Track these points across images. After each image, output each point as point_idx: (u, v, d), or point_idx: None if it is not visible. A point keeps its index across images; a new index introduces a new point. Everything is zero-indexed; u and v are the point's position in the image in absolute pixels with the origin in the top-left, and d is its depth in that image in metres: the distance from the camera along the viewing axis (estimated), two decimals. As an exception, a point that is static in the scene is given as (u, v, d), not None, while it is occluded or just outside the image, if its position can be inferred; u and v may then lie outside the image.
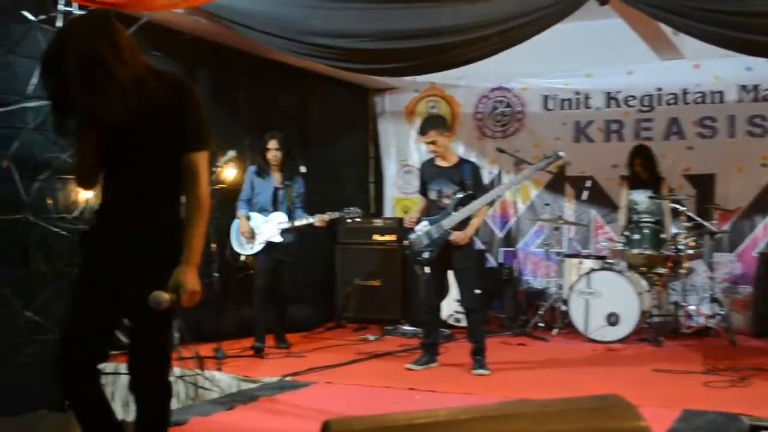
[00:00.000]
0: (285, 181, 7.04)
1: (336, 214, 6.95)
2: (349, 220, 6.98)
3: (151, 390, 3.04)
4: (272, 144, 6.96)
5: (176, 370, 5.66)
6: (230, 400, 5.23)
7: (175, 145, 2.95)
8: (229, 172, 6.85)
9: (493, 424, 1.91)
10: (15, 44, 5.67)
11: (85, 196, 6.16)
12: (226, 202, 6.99)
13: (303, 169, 7.32)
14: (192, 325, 6.76)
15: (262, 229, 6.92)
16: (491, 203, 6.17)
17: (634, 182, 8.07)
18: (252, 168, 7.10)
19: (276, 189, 7.01)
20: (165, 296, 2.83)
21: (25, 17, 5.66)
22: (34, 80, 5.64)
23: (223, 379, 5.82)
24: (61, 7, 5.68)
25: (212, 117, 7.21)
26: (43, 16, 5.68)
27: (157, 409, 3.06)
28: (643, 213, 7.84)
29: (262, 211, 6.98)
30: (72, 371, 2.97)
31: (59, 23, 5.69)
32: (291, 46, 6.89)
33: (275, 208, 6.97)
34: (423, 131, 6.14)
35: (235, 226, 7.05)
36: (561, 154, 6.04)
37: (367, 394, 5.35)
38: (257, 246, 6.92)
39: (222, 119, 7.59)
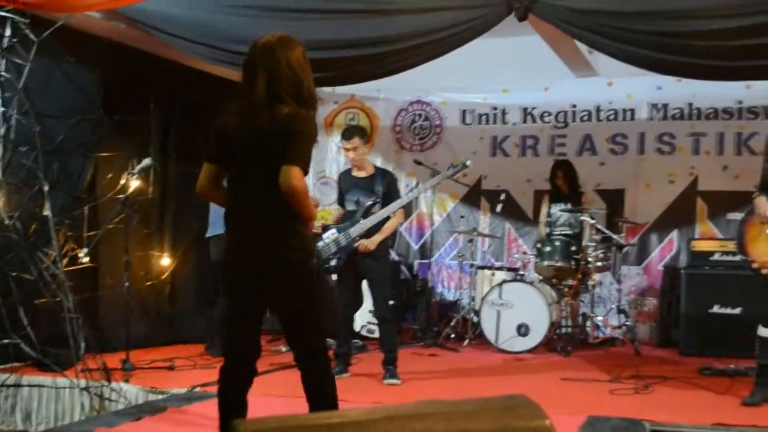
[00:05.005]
0: None
1: None
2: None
3: None
4: None
5: (81, 382, 5.54)
6: (137, 411, 5.10)
7: None
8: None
9: (406, 423, 1.90)
10: None
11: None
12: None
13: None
14: (99, 335, 6.64)
15: None
16: (398, 210, 6.19)
17: (555, 196, 8.25)
18: None
19: None
20: None
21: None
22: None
23: (131, 391, 5.70)
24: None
25: (129, 124, 7.24)
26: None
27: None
28: (562, 226, 8.06)
29: None
30: None
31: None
32: (212, 54, 6.78)
33: None
34: (348, 136, 6.15)
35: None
36: (467, 162, 6.12)
37: (278, 404, 5.28)
38: None
39: (138, 125, 7.49)
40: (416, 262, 9.54)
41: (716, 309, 7.30)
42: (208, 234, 7.21)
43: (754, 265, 5.09)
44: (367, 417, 1.90)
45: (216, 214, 7.11)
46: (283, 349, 7.66)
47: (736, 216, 5.43)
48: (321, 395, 3.46)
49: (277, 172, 3.34)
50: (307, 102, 3.48)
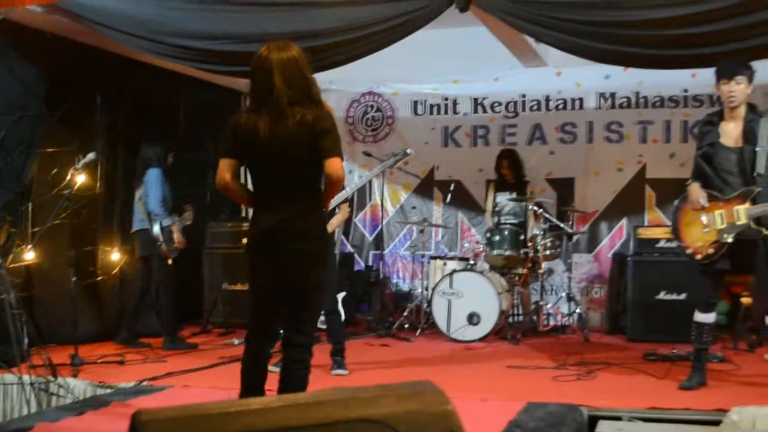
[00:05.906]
0: None
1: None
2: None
3: None
4: None
5: (26, 378, 5.50)
6: (81, 406, 5.08)
7: None
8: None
9: (305, 411, 1.93)
10: None
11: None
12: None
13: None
14: (47, 331, 6.60)
15: None
16: (344, 206, 6.16)
17: (501, 185, 8.32)
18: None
19: None
20: None
21: None
22: None
23: (78, 386, 5.68)
24: None
25: (74, 119, 7.19)
26: None
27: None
28: (507, 215, 8.14)
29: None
30: None
31: None
32: (154, 47, 6.75)
33: None
34: None
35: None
36: (408, 150, 6.13)
37: (223, 396, 5.27)
38: None
39: (84, 120, 7.43)
40: (371, 253, 9.57)
41: (662, 295, 7.39)
42: (133, 229, 7.27)
43: (688, 251, 5.19)
44: (267, 405, 1.93)
45: (138, 210, 7.15)
46: (236, 341, 7.67)
47: (682, 203, 5.56)
48: (291, 387, 3.87)
49: (305, 169, 3.80)
50: (317, 100, 3.87)
